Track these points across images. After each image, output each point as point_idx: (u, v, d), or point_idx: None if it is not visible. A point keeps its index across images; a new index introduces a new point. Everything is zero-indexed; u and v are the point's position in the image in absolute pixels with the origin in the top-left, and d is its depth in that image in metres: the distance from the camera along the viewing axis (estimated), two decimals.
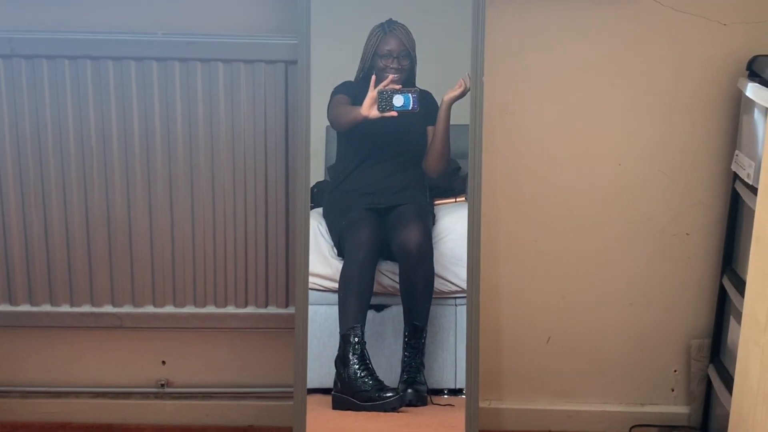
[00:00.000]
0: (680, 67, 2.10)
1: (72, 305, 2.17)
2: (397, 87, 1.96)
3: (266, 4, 2.06)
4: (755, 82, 1.95)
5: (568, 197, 2.18)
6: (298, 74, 1.98)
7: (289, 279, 2.15)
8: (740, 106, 2.06)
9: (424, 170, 2.06)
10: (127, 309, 2.17)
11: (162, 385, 2.29)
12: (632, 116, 2.13)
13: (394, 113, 1.95)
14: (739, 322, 2.02)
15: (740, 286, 2.03)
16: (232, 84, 2.04)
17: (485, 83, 1.97)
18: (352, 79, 2.03)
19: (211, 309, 2.17)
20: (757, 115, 1.93)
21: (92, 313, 2.17)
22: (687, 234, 2.20)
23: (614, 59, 2.10)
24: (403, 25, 2.00)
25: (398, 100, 1.95)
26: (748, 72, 2.04)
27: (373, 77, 1.96)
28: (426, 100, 2.02)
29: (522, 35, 2.08)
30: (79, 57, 2.01)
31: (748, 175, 1.96)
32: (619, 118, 2.14)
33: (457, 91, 1.99)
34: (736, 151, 2.06)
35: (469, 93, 1.98)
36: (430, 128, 2.04)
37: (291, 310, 2.15)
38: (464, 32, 1.96)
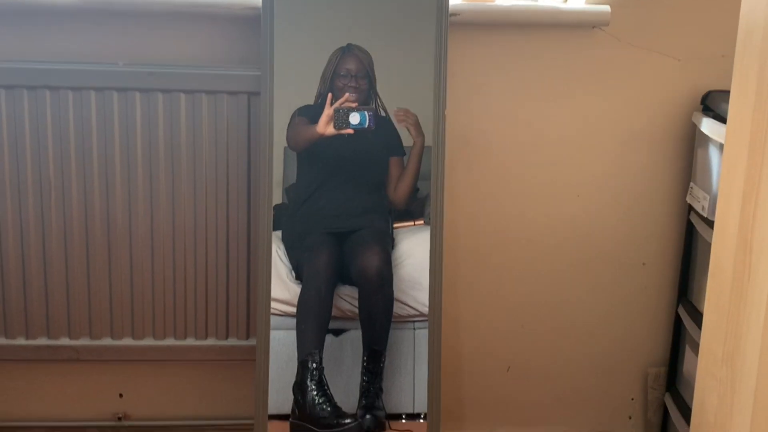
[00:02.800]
0: (637, 100, 2.14)
1: (27, 338, 2.13)
2: (353, 105, 1.95)
3: (229, 36, 2.05)
4: (709, 116, 1.99)
5: (528, 227, 2.20)
6: (260, 105, 1.98)
7: (250, 310, 2.13)
8: (695, 139, 2.11)
9: (392, 201, 2.06)
10: (84, 341, 2.14)
11: (119, 419, 2.25)
12: (590, 148, 2.17)
13: (350, 130, 1.94)
14: (694, 351, 2.05)
15: (695, 316, 2.06)
16: (194, 114, 2.03)
17: (447, 116, 1.99)
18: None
19: (170, 341, 2.15)
20: (712, 149, 1.98)
21: (48, 346, 2.13)
22: (643, 264, 2.24)
23: (573, 92, 2.13)
24: (362, 47, 2.01)
25: (354, 118, 1.94)
26: (702, 107, 2.09)
27: (330, 95, 1.95)
28: (386, 128, 2.02)
29: (483, 68, 2.10)
30: (39, 87, 1.98)
31: (703, 207, 2.00)
32: (578, 150, 2.17)
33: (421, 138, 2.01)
34: (691, 184, 2.10)
35: (432, 123, 1.99)
36: (393, 160, 2.05)
37: (252, 341, 2.13)
38: (426, 63, 1.97)
